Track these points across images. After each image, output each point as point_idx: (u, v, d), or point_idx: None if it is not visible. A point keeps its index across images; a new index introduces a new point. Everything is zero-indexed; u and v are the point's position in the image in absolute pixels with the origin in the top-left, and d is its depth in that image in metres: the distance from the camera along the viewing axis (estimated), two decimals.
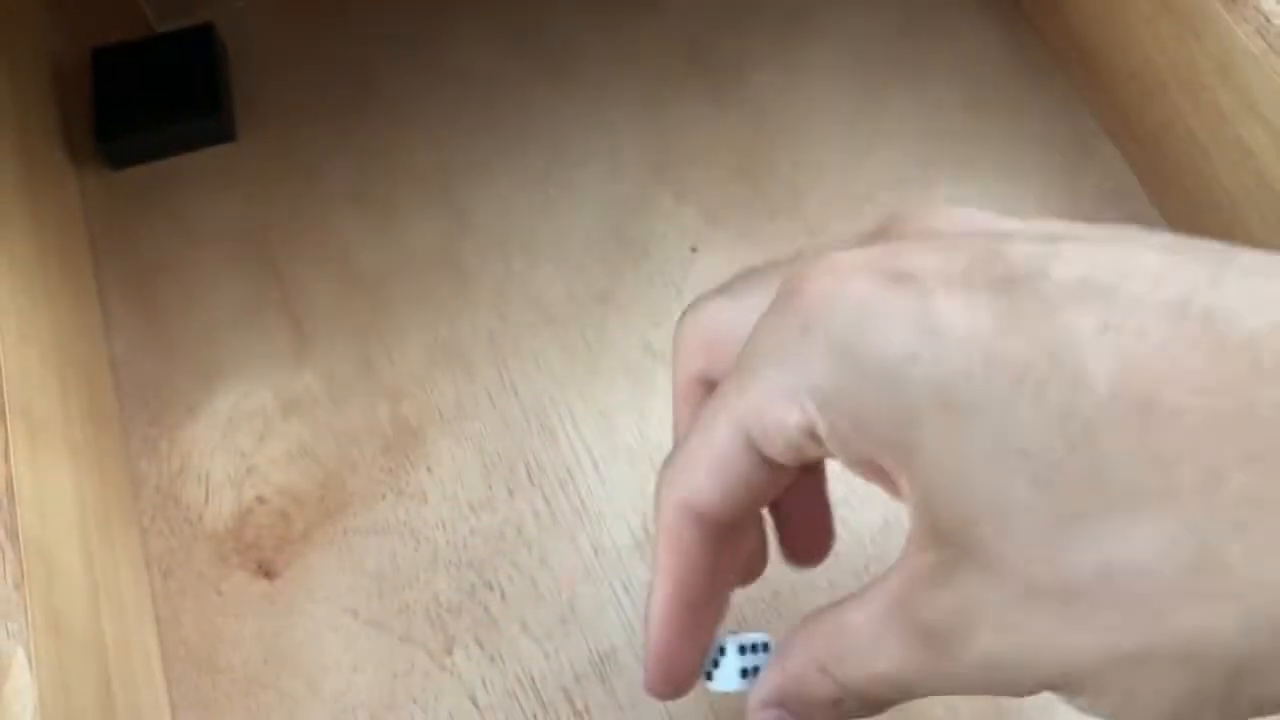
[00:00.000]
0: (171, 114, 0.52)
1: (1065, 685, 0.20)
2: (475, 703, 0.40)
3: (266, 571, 0.43)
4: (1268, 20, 0.41)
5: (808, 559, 0.32)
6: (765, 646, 0.27)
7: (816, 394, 0.22)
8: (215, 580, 0.43)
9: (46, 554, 0.34)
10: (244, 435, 0.45)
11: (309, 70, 0.55)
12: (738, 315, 0.25)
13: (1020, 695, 0.21)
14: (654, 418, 0.45)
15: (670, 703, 0.39)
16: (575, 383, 0.46)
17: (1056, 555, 0.20)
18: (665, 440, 0.45)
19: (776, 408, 0.22)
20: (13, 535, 0.32)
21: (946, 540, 0.21)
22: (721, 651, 0.27)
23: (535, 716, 0.40)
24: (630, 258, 0.49)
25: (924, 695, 0.23)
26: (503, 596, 0.42)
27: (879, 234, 0.25)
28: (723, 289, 0.27)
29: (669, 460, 0.26)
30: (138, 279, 0.49)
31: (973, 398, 0.20)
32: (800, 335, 0.22)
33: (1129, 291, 0.19)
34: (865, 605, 0.23)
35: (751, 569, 0.30)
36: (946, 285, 0.21)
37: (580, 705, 0.40)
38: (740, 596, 0.41)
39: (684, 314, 0.28)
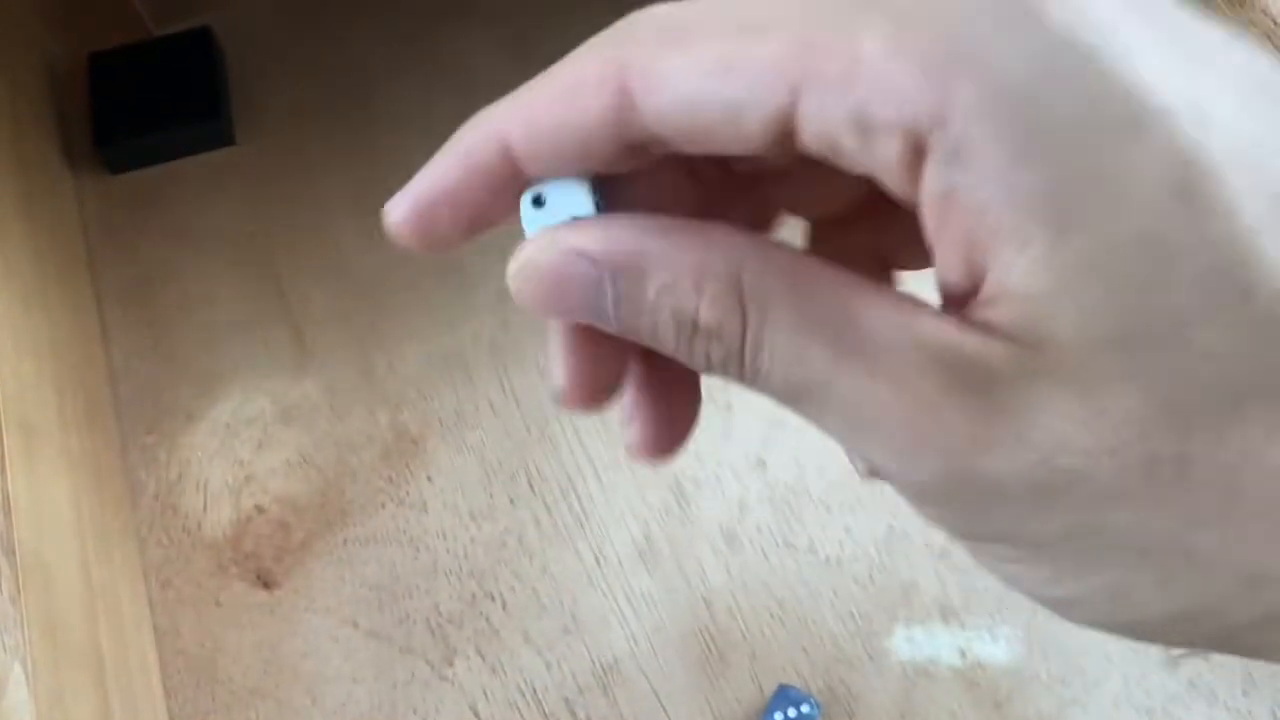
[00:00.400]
0: (169, 118, 0.52)
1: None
2: (476, 713, 0.40)
3: (266, 581, 0.42)
4: (1275, 24, 0.41)
5: (658, 448, 0.22)
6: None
7: (973, 74, 0.15)
8: (214, 590, 0.42)
9: (44, 567, 0.34)
10: (243, 443, 0.45)
11: (308, 74, 0.54)
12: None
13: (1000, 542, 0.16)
14: None
15: (673, 714, 0.39)
16: None
17: (1203, 431, 0.15)
18: None
19: (880, 68, 0.15)
20: (9, 550, 0.32)
21: (1046, 345, 0.15)
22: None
23: None
24: None
25: (837, 432, 0.17)
26: (504, 606, 0.42)
27: None
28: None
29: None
30: (136, 286, 0.49)
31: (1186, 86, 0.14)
32: None
33: None
34: (894, 312, 0.16)
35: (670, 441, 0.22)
36: None
37: (583, 716, 0.40)
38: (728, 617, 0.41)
39: None
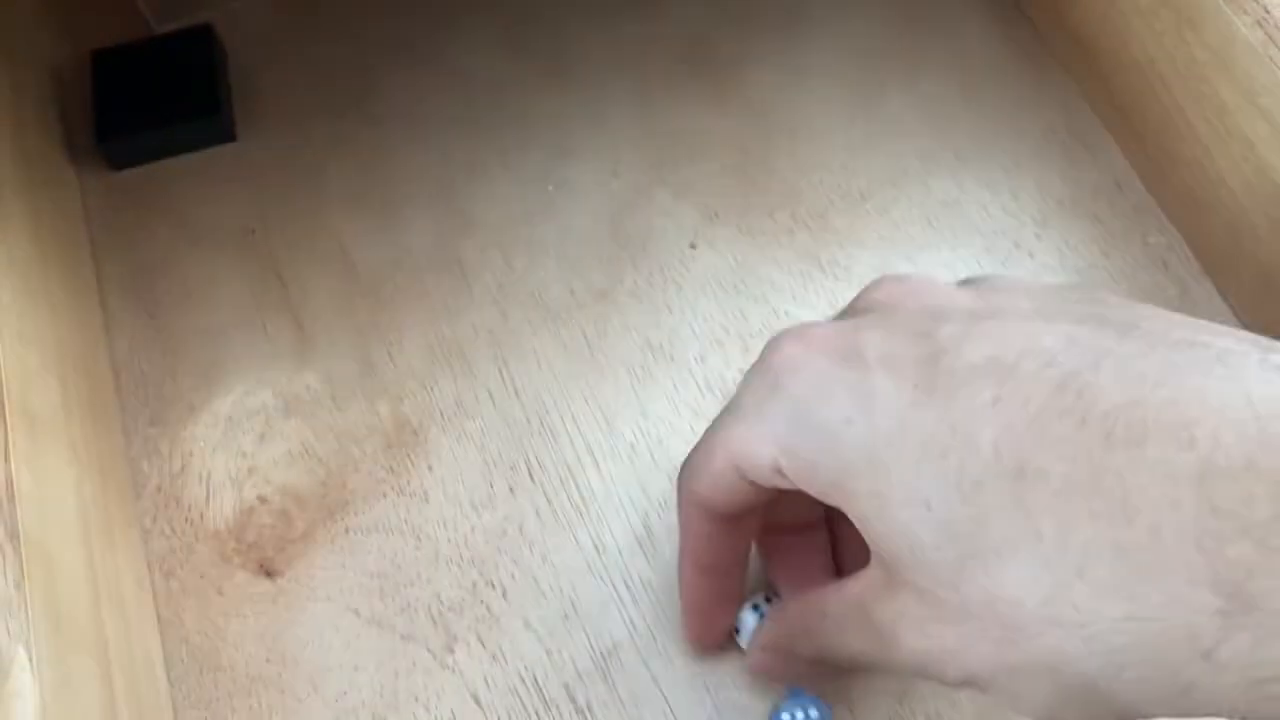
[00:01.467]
0: (171, 115, 0.52)
1: (972, 682, 0.26)
2: (478, 701, 0.40)
3: (268, 571, 0.43)
4: (1267, 11, 0.41)
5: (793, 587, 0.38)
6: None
7: (779, 441, 0.28)
8: (217, 580, 0.43)
9: (47, 554, 0.34)
10: (245, 435, 0.45)
11: (308, 70, 0.55)
12: None
13: (947, 684, 0.27)
14: (654, 415, 0.45)
15: (672, 699, 0.40)
16: (576, 380, 0.46)
17: (956, 586, 0.25)
18: (665, 437, 0.45)
19: (753, 448, 0.29)
20: (13, 535, 0.32)
21: (882, 565, 0.27)
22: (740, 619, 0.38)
23: (538, 714, 0.40)
24: (630, 255, 0.49)
25: (878, 670, 0.30)
26: (504, 594, 0.42)
27: (857, 301, 0.31)
28: None
29: (685, 463, 0.33)
30: (138, 279, 0.49)
31: (892, 457, 0.25)
32: (770, 393, 0.29)
33: (1023, 369, 0.24)
34: (840, 596, 0.30)
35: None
36: (883, 363, 0.26)
37: (582, 702, 0.40)
38: None
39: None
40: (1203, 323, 0.25)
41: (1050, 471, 0.23)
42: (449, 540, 0.43)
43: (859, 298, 0.31)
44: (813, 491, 0.28)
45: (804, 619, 0.32)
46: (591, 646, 0.41)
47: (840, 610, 0.30)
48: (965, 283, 0.30)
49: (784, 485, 0.29)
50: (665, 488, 0.44)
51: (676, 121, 0.53)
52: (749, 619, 0.37)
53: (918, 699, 0.39)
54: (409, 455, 0.45)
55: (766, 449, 0.29)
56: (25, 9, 0.51)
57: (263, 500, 0.44)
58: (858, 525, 0.27)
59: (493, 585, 0.42)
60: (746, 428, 0.29)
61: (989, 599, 0.24)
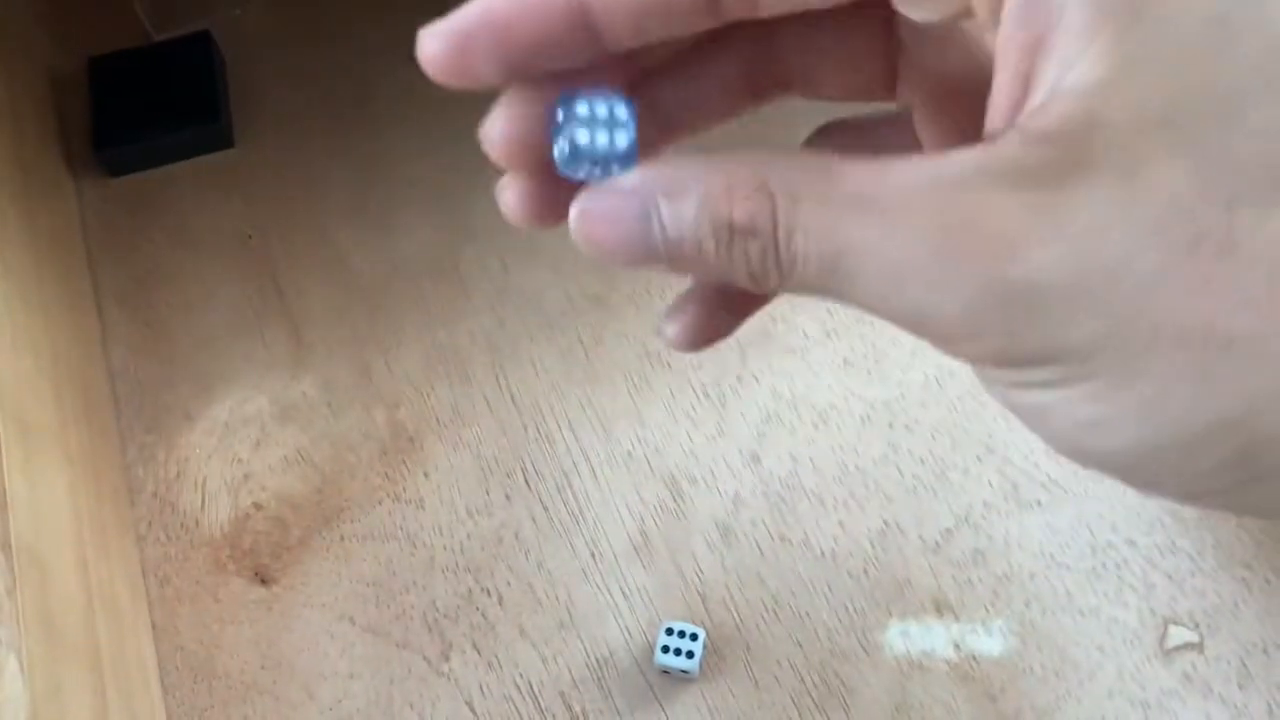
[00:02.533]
0: (169, 122, 0.52)
1: (1079, 345, 0.15)
2: (473, 708, 0.40)
3: (263, 578, 0.43)
4: None
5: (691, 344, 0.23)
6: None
7: None
8: (212, 587, 0.42)
9: (40, 561, 0.34)
10: (241, 442, 0.45)
11: (306, 77, 0.55)
12: None
13: (1037, 333, 0.16)
14: (652, 422, 0.45)
15: (668, 708, 0.39)
16: (573, 387, 0.46)
17: (1249, 207, 0.14)
18: (662, 444, 0.45)
19: None
20: (4, 543, 0.32)
21: (1093, 135, 0.15)
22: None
23: None
24: None
25: (872, 300, 0.17)
26: (500, 601, 0.42)
27: None
28: None
29: None
30: (135, 286, 0.49)
31: None
32: None
33: None
34: (911, 168, 0.16)
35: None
36: None
37: (578, 709, 0.40)
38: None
39: None
40: None
41: None
42: (445, 547, 0.43)
43: None
44: None
45: (770, 166, 0.17)
46: (587, 654, 0.41)
47: (904, 188, 0.16)
48: None
49: None
50: (662, 494, 0.43)
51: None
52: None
53: (915, 705, 0.39)
54: (405, 462, 0.45)
55: None
56: (23, 16, 0.51)
57: (258, 507, 0.44)
58: (1102, 61, 0.15)
59: (489, 592, 0.42)
60: None
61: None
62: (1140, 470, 0.16)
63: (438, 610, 0.42)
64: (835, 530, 0.42)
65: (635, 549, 0.43)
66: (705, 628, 0.40)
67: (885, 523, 0.42)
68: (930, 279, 0.16)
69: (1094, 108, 0.15)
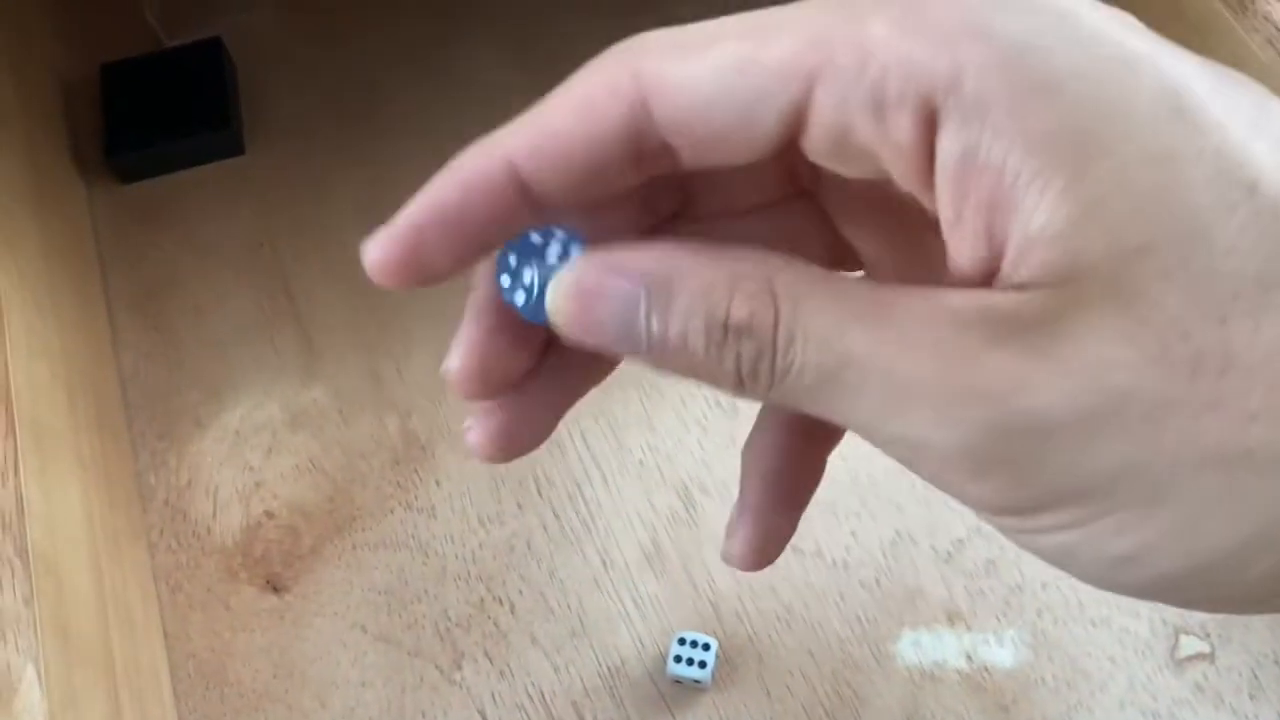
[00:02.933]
0: (180, 128, 0.52)
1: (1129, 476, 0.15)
2: (484, 717, 0.40)
3: (275, 586, 0.43)
4: (1278, 30, 0.41)
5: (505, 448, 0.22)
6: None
7: (980, 41, 0.16)
8: (224, 595, 0.42)
9: (56, 570, 0.34)
10: (252, 449, 0.45)
11: (317, 84, 0.55)
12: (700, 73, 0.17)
13: (1047, 474, 0.16)
14: (663, 430, 0.45)
15: (680, 716, 0.39)
16: (585, 395, 0.46)
17: (1226, 323, 0.15)
18: (673, 452, 0.45)
19: (907, 49, 0.16)
20: (22, 552, 0.32)
21: (1079, 274, 0.15)
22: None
23: None
24: None
25: (872, 421, 0.16)
26: (512, 610, 0.42)
27: None
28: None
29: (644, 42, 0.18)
30: (146, 293, 0.49)
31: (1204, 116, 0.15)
32: None
33: None
34: (921, 301, 0.16)
35: None
36: None
37: (590, 718, 0.40)
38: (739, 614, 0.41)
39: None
40: None
41: None
42: (456, 556, 0.43)
43: None
44: (1008, 143, 0.15)
45: (843, 305, 0.16)
46: (600, 663, 0.41)
47: (914, 318, 0.16)
48: None
49: (846, 153, 0.17)
50: (674, 503, 0.44)
51: None
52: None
53: (927, 716, 0.39)
54: (417, 470, 0.45)
55: (943, 51, 0.16)
56: (35, 23, 0.51)
57: (270, 515, 0.44)
58: (1067, 204, 0.15)
59: (500, 601, 0.42)
60: (887, 21, 0.16)
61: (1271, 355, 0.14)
62: (1182, 592, 0.16)
63: (449, 619, 0.42)
64: (847, 540, 0.43)
65: (647, 558, 0.43)
66: (717, 637, 0.40)
67: (897, 532, 0.42)
68: (937, 404, 0.15)
69: (1072, 248, 0.15)
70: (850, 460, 0.44)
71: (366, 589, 0.42)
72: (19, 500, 0.33)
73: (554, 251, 0.19)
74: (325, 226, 0.51)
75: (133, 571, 0.41)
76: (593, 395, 0.47)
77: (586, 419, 0.46)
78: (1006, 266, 0.16)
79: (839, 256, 0.22)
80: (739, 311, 0.16)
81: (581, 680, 0.41)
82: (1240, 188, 0.15)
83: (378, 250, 0.19)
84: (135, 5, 0.54)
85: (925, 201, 0.17)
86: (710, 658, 0.39)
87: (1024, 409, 0.15)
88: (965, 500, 0.17)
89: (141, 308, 0.49)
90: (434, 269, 0.19)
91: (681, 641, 0.39)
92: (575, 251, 0.18)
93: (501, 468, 0.45)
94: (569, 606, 0.42)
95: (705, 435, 0.45)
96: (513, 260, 0.19)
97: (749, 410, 0.45)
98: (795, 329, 0.16)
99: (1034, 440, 0.15)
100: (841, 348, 0.16)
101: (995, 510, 0.16)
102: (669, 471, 0.44)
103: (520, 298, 0.19)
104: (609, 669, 0.41)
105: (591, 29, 0.55)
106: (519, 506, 0.44)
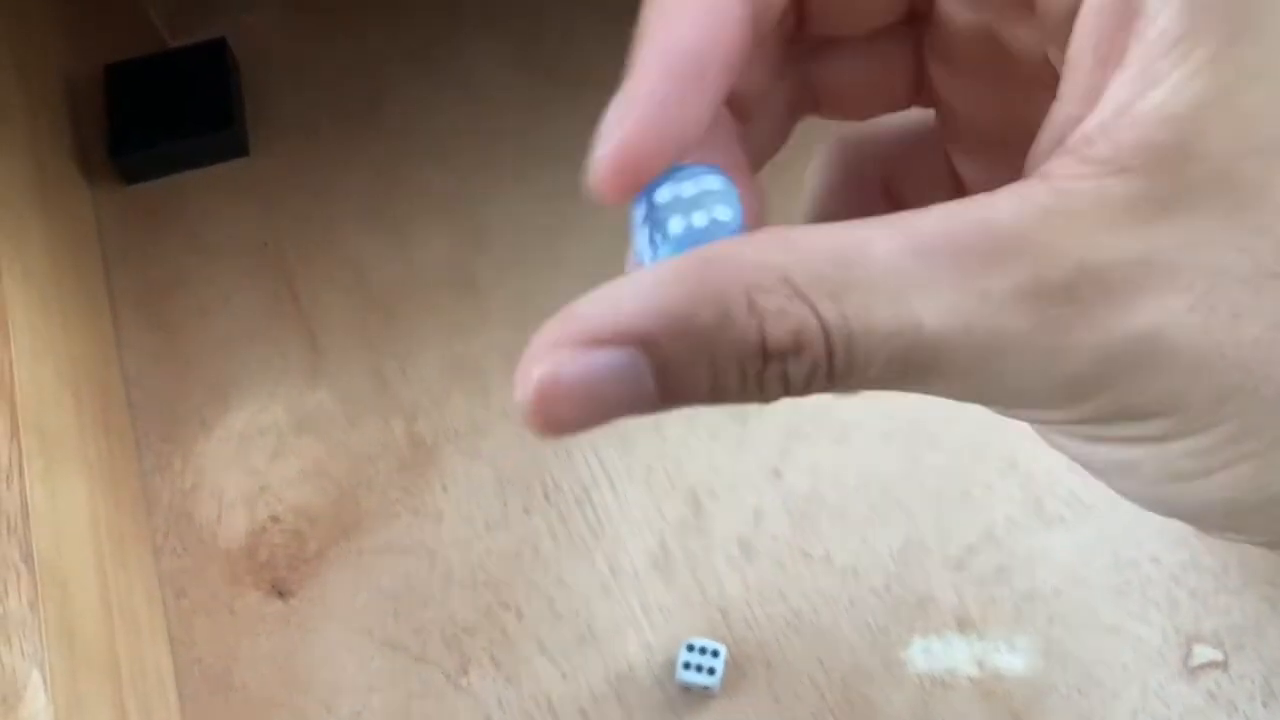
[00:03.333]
0: (184, 129, 0.52)
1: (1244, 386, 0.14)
2: None
3: (280, 591, 0.42)
4: None
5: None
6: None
7: None
8: (229, 599, 0.42)
9: (60, 574, 0.34)
10: (257, 452, 0.45)
11: (321, 85, 0.54)
12: None
13: (1152, 400, 0.14)
14: (672, 436, 0.45)
15: (689, 718, 0.39)
16: None
17: None
18: (683, 459, 0.45)
19: None
20: (27, 557, 0.32)
21: (1189, 162, 0.13)
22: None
23: None
24: None
25: (956, 388, 0.14)
26: (519, 616, 0.42)
27: None
28: None
29: None
30: (151, 294, 0.49)
31: None
32: None
33: None
34: (958, 216, 0.14)
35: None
36: None
37: None
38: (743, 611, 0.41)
39: None
40: None
41: None
42: (463, 561, 0.43)
43: None
44: None
45: (800, 256, 0.14)
46: (607, 670, 0.40)
47: (957, 242, 0.14)
48: None
49: None
50: (682, 510, 0.43)
51: None
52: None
53: (934, 715, 0.39)
54: (423, 474, 0.45)
55: None
56: (40, 24, 0.51)
57: (275, 519, 0.44)
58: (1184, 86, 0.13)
59: (507, 607, 0.42)
60: None
61: None
62: (1233, 519, 0.15)
63: (456, 625, 0.41)
64: (857, 546, 0.42)
65: (655, 564, 0.42)
66: (726, 644, 0.40)
67: (907, 539, 0.42)
68: (1037, 349, 0.13)
69: (1187, 136, 0.13)
70: (860, 466, 0.44)
71: (372, 594, 0.42)
72: (24, 504, 0.33)
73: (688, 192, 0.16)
74: (329, 226, 0.51)
75: (138, 576, 0.41)
76: None
77: None
78: (1085, 138, 0.14)
79: (921, 101, 0.19)
80: (778, 335, 0.13)
81: (589, 687, 0.40)
82: None
83: (619, 130, 0.15)
84: (139, 6, 0.53)
85: (1050, 43, 0.15)
86: (719, 664, 0.39)
87: (1137, 329, 0.13)
88: (1049, 423, 0.15)
89: (146, 309, 0.49)
90: (695, 121, 0.16)
91: (690, 648, 0.39)
92: (713, 183, 0.16)
93: (509, 472, 0.44)
94: (576, 613, 0.42)
95: (714, 441, 0.45)
96: (642, 211, 0.16)
97: (759, 417, 0.45)
98: (850, 328, 0.13)
99: (1150, 359, 0.13)
100: (910, 328, 0.13)
101: (1071, 421, 0.15)
102: (677, 477, 0.44)
103: (657, 252, 0.16)
104: (617, 676, 0.40)
105: (594, 28, 0.55)
106: (526, 512, 0.44)
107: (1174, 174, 0.13)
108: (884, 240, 0.13)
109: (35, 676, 0.30)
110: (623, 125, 0.15)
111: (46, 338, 0.40)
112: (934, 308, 0.13)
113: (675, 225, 0.15)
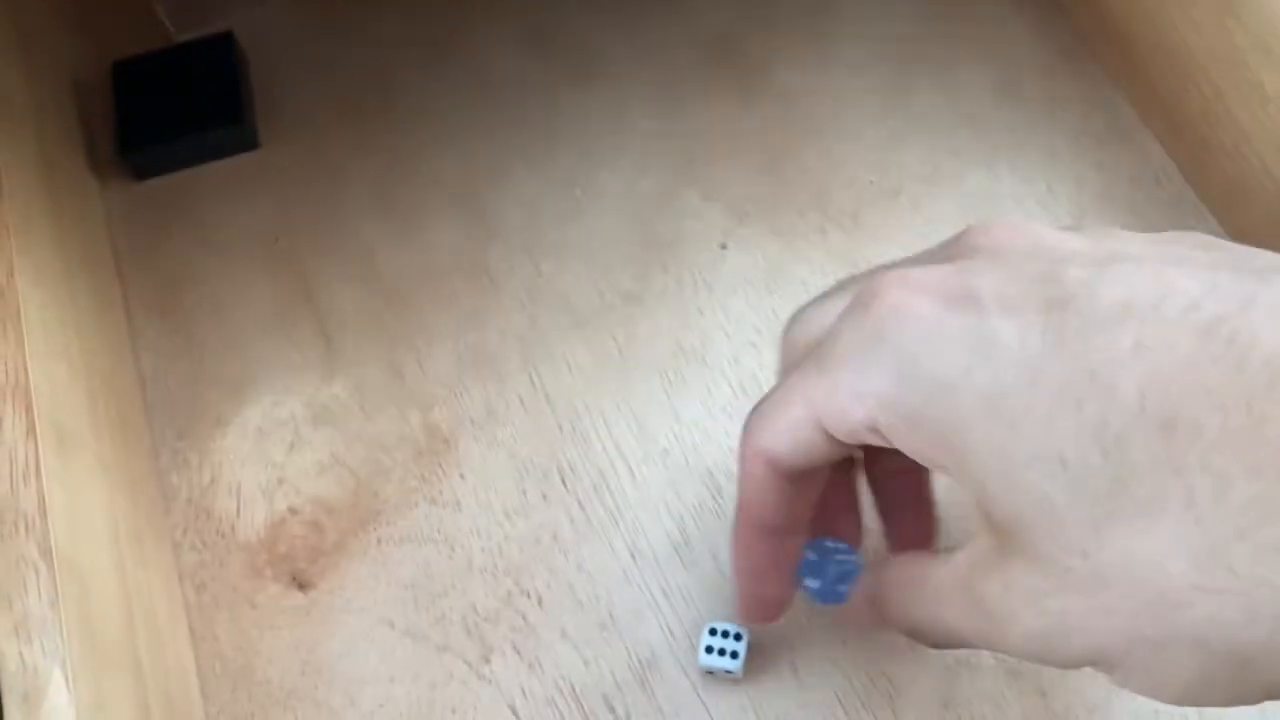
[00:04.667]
0: (193, 124, 0.52)
1: (1099, 660, 0.24)
2: (515, 712, 0.39)
3: (301, 583, 0.42)
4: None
5: (912, 546, 0.35)
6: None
7: (881, 395, 0.25)
8: (249, 593, 0.42)
9: (80, 571, 0.34)
10: (274, 445, 0.45)
11: (330, 76, 0.54)
12: (827, 318, 0.29)
13: (1066, 665, 0.25)
14: (687, 418, 0.45)
15: (712, 708, 0.39)
16: (607, 385, 0.46)
17: (1090, 552, 0.22)
18: (699, 441, 0.44)
19: (844, 403, 0.26)
20: (46, 553, 0.32)
21: (998, 531, 0.25)
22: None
23: None
24: (659, 258, 0.49)
25: (978, 649, 0.27)
26: (540, 603, 0.41)
27: (952, 247, 0.27)
28: (817, 297, 0.31)
29: (755, 410, 0.30)
30: (163, 291, 0.49)
31: (1019, 410, 0.23)
32: (872, 343, 0.26)
33: (1164, 314, 0.22)
34: (943, 568, 0.27)
35: (915, 541, 0.36)
36: (1002, 306, 0.24)
37: (621, 712, 0.39)
38: None
39: (789, 320, 0.32)
40: None
41: (1204, 423, 0.21)
42: (482, 549, 0.43)
43: (954, 242, 0.28)
44: (913, 451, 0.26)
45: (903, 586, 0.29)
46: (630, 655, 0.40)
47: (943, 584, 0.27)
48: (1062, 227, 0.27)
49: (874, 443, 0.27)
50: (701, 493, 0.43)
51: (703, 121, 0.52)
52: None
53: (963, 703, 0.39)
54: (440, 464, 0.44)
55: (863, 404, 0.26)
56: (45, 19, 0.51)
57: (293, 511, 0.44)
58: (968, 487, 0.24)
59: (528, 594, 0.42)
60: (838, 379, 0.26)
61: (1129, 565, 0.22)
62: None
63: (477, 613, 0.41)
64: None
65: (675, 548, 0.42)
66: (748, 627, 0.39)
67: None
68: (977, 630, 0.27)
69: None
70: None
71: (392, 584, 0.42)
72: (41, 502, 0.33)
73: (837, 561, 0.34)
74: (341, 219, 0.50)
75: (157, 572, 0.41)
76: (615, 385, 0.47)
77: (610, 409, 0.45)
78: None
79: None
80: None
81: (612, 673, 0.40)
82: (1055, 462, 0.23)
83: (745, 610, 0.36)
84: (144, 1, 0.53)
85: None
86: (742, 648, 0.38)
87: (1010, 631, 0.25)
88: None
89: (159, 306, 0.49)
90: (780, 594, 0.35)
91: (713, 632, 0.39)
92: (851, 560, 0.34)
93: (526, 459, 0.44)
94: (597, 599, 0.41)
95: (731, 422, 0.44)
96: (812, 558, 0.34)
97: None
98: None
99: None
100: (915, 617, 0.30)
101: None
102: (695, 461, 0.44)
103: (815, 585, 0.34)
104: (639, 661, 0.40)
105: (605, 14, 0.55)
106: (544, 499, 0.43)
107: (1004, 539, 0.26)
108: (936, 572, 0.28)
109: (56, 675, 0.30)
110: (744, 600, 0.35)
111: (61, 337, 0.40)
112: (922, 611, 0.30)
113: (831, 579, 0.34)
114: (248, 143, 0.52)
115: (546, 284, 0.48)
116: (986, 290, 0.24)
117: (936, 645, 0.29)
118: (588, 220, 0.50)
